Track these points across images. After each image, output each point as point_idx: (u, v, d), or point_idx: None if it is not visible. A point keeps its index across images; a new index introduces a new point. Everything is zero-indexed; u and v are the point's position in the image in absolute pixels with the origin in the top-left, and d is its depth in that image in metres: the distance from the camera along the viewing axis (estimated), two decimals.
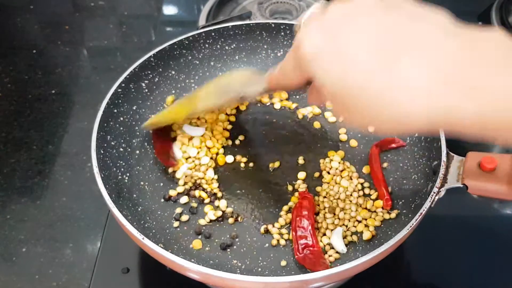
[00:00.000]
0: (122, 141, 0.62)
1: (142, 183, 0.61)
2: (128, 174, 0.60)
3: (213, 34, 0.70)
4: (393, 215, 0.57)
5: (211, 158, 0.63)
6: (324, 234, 0.56)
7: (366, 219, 0.57)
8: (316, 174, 0.62)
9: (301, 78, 0.41)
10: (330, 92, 0.35)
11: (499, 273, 0.61)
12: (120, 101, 0.63)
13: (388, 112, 0.32)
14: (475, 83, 0.30)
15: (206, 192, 0.60)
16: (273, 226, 0.57)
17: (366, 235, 0.55)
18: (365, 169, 0.62)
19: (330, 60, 0.34)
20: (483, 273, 0.61)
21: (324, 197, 0.59)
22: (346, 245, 0.55)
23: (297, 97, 0.71)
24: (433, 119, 0.31)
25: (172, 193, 0.59)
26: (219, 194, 0.60)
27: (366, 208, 0.58)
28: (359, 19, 0.34)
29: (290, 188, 0.61)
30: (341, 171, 0.61)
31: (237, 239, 0.56)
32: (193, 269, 0.46)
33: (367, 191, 0.60)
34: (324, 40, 0.35)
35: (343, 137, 0.65)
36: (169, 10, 1.01)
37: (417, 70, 0.31)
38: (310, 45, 0.36)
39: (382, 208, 0.58)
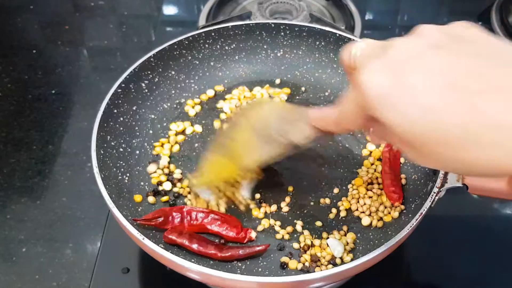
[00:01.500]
0: (122, 141, 0.62)
1: (142, 183, 0.61)
2: (128, 174, 0.60)
3: (213, 34, 0.70)
4: (395, 214, 0.57)
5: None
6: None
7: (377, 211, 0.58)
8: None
9: (363, 120, 0.37)
10: (402, 134, 0.32)
11: (499, 273, 0.61)
12: (120, 101, 0.63)
13: (468, 158, 0.30)
14: None
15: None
16: (275, 225, 0.57)
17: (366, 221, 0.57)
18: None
19: (403, 102, 0.31)
20: (483, 273, 0.61)
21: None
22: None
23: (298, 97, 0.71)
24: None
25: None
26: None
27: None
28: (429, 58, 0.31)
29: (291, 188, 0.61)
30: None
31: None
32: (193, 269, 0.46)
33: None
34: (393, 81, 0.32)
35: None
36: (169, 10, 1.01)
37: (502, 116, 0.28)
38: (376, 86, 0.32)
39: (392, 205, 0.58)
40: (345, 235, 0.56)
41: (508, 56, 0.31)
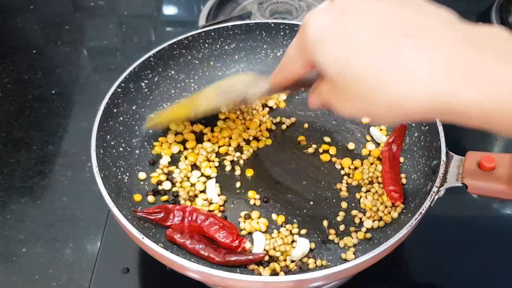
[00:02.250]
0: (122, 141, 0.62)
1: (142, 182, 0.61)
2: (128, 174, 0.60)
3: (212, 34, 0.70)
4: (395, 214, 0.57)
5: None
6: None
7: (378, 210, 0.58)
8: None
9: (304, 65, 0.39)
10: (331, 76, 0.34)
11: (499, 273, 0.61)
12: (120, 101, 0.63)
13: (387, 95, 0.32)
14: (474, 70, 0.30)
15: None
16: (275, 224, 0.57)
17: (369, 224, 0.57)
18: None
19: (334, 42, 0.34)
20: (483, 273, 0.61)
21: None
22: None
23: (298, 97, 0.71)
24: (432, 104, 0.31)
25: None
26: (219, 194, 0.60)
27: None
28: (365, 5, 0.34)
29: (294, 188, 0.61)
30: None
31: None
32: (193, 269, 0.46)
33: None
34: (329, 22, 0.34)
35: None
36: (169, 10, 1.01)
37: (417, 54, 0.31)
38: (315, 26, 0.35)
39: (393, 204, 0.58)
40: (350, 235, 0.56)
41: (433, 11, 0.34)
